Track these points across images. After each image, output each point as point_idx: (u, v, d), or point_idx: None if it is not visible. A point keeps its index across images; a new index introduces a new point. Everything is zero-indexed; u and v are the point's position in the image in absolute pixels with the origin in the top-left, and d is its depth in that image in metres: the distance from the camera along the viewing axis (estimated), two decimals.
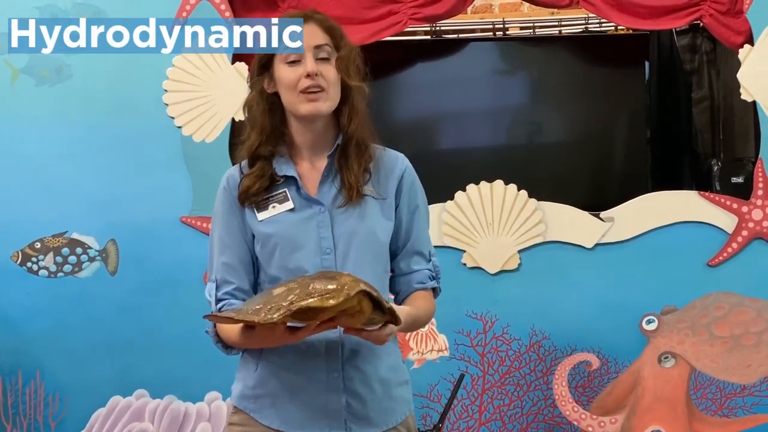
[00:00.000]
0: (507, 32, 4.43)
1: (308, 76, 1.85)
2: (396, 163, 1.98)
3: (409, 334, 3.33)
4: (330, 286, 1.63)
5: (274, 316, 1.61)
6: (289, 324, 1.71)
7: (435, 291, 2.03)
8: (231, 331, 1.83)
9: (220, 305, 1.90)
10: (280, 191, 1.90)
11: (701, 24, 3.61)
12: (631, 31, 4.18)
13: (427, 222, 2.03)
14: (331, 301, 1.61)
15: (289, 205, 1.89)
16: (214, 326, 1.90)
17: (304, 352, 1.85)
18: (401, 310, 1.81)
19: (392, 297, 2.01)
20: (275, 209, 1.89)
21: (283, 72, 1.88)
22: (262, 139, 1.91)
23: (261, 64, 1.93)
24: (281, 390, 1.87)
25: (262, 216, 1.90)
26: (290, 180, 1.91)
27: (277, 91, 1.92)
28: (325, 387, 1.86)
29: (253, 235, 1.91)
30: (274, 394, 1.88)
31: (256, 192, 1.90)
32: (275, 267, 1.88)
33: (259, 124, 1.92)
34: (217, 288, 1.92)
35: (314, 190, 1.91)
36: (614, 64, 4.19)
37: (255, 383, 1.90)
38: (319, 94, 1.85)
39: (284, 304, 1.62)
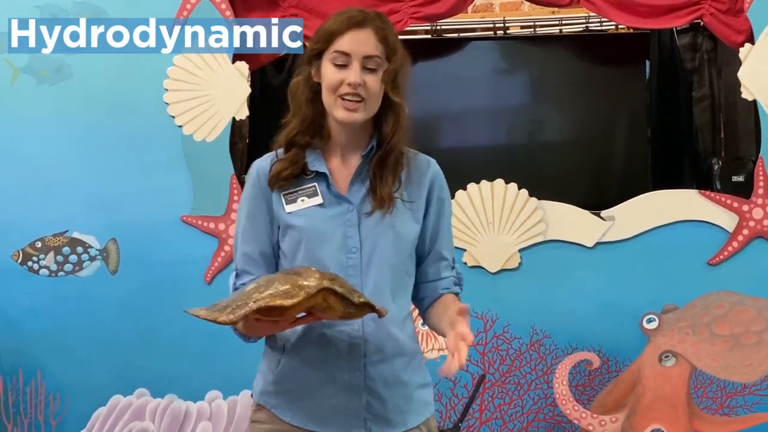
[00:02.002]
0: (507, 31, 4.43)
1: (350, 84, 1.83)
2: (427, 168, 1.97)
3: None
4: (291, 285, 1.65)
5: (234, 315, 1.64)
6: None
7: (458, 297, 2.00)
8: None
9: None
10: (310, 185, 1.90)
11: (702, 23, 3.61)
12: (631, 30, 4.18)
13: (451, 229, 2.02)
14: (290, 301, 1.63)
15: (318, 200, 1.89)
16: None
17: (326, 350, 1.85)
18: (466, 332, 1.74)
19: (425, 302, 1.99)
20: (304, 203, 1.89)
21: (328, 71, 1.86)
22: (301, 128, 1.91)
23: (313, 54, 1.91)
24: (303, 387, 1.87)
25: (290, 208, 1.89)
26: (321, 175, 1.90)
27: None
28: (346, 386, 1.86)
29: (279, 227, 1.91)
30: (295, 391, 1.88)
31: (287, 177, 1.89)
32: (299, 261, 1.87)
33: (302, 113, 1.91)
34: (237, 277, 1.92)
35: (344, 187, 1.90)
36: (615, 63, 4.19)
37: (277, 379, 1.90)
38: (357, 104, 1.85)
39: (248, 302, 1.65)
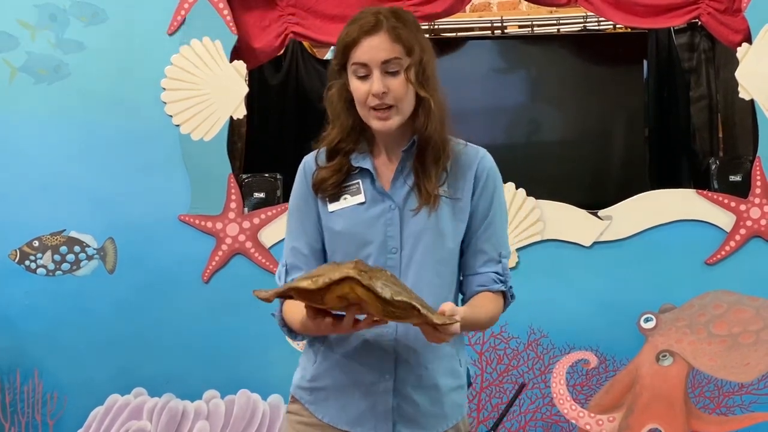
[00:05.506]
0: (505, 31, 4.43)
1: (374, 95, 1.81)
2: (474, 161, 1.92)
3: None
4: (325, 271, 1.62)
5: (267, 293, 1.66)
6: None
7: (504, 295, 1.97)
8: (294, 315, 1.83)
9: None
10: (354, 182, 1.88)
11: (699, 22, 3.61)
12: (629, 30, 4.18)
13: (503, 222, 1.96)
14: (314, 283, 1.59)
15: (361, 198, 1.87)
16: (280, 311, 1.89)
17: (358, 351, 1.85)
18: (458, 311, 1.73)
19: (465, 298, 1.96)
20: (347, 201, 1.88)
21: (353, 84, 1.84)
22: (343, 135, 1.89)
23: (337, 69, 1.88)
24: (335, 386, 1.88)
25: (333, 207, 1.88)
26: (365, 172, 1.89)
27: None
28: (375, 388, 1.85)
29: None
30: (328, 389, 1.89)
31: (331, 185, 1.88)
32: (339, 260, 1.85)
33: (341, 121, 1.89)
34: (287, 273, 1.92)
35: (388, 184, 1.89)
36: (613, 62, 4.19)
37: (312, 376, 1.90)
38: (388, 112, 1.82)
39: (286, 283, 1.68)
